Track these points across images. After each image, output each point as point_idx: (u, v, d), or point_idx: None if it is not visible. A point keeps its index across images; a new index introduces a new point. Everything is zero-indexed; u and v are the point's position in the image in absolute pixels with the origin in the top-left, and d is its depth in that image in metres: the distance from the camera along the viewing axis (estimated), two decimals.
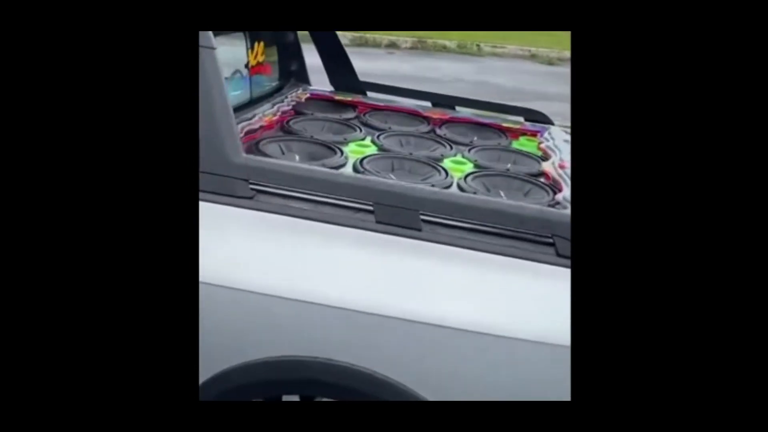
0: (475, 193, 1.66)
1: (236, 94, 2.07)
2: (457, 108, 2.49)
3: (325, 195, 1.34)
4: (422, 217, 1.31)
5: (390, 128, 2.22)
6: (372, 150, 1.97)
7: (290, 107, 2.24)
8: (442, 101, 2.49)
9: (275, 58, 2.41)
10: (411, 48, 9.68)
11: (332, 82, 2.57)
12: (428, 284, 1.25)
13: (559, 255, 1.26)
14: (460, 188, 1.70)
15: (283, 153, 1.88)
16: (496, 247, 1.29)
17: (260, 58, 2.20)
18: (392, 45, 9.60)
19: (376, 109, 2.44)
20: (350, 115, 2.33)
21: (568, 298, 1.04)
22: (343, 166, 1.77)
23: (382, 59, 8.77)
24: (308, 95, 2.43)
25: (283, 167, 1.35)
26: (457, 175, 1.81)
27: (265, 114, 2.04)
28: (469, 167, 1.93)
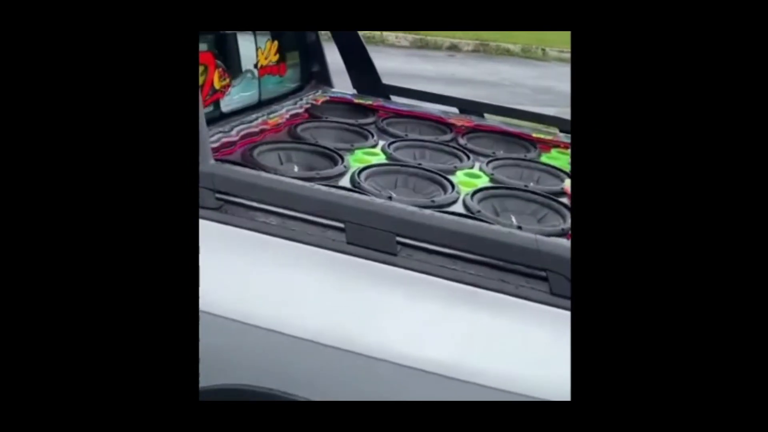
0: (478, 212, 1.49)
1: (244, 95, 1.98)
2: (486, 115, 2.30)
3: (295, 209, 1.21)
4: (400, 239, 1.16)
5: (407, 135, 2.07)
6: (380, 159, 1.83)
7: (303, 110, 2.13)
8: (469, 107, 2.31)
9: (297, 60, 2.30)
10: (473, 51, 9.43)
11: (354, 84, 2.44)
12: (396, 318, 1.10)
13: (553, 293, 1.08)
14: (465, 206, 1.53)
15: (282, 162, 1.77)
16: (479, 279, 1.12)
17: (273, 58, 2.10)
18: (453, 48, 9.38)
19: (398, 114, 2.29)
20: (368, 120, 2.19)
21: (560, 347, 0.89)
22: (341, 176, 1.64)
23: (441, 62, 8.59)
24: (327, 98, 2.31)
25: (248, 177, 1.22)
26: (465, 191, 1.64)
27: (270, 117, 1.93)
28: (483, 181, 1.75)
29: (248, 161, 1.63)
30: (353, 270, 1.15)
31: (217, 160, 1.60)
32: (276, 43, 2.11)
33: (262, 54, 2.03)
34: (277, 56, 2.13)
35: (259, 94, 2.03)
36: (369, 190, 1.53)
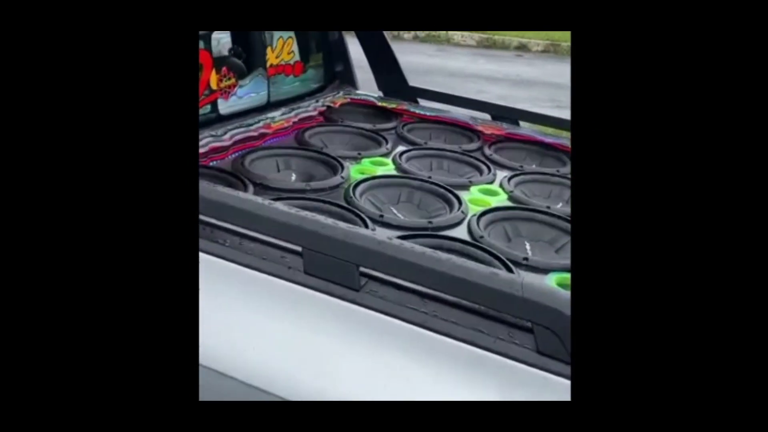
0: (481, 238, 1.29)
1: (254, 96, 1.86)
2: (522, 123, 2.08)
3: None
4: (366, 271, 0.99)
5: (426, 143, 1.88)
6: (388, 169, 1.65)
7: (317, 113, 1.98)
8: (503, 113, 2.09)
9: (318, 59, 2.16)
10: (542, 51, 9.03)
11: (380, 86, 2.27)
12: (344, 370, 0.92)
13: (539, 352, 0.87)
14: (469, 230, 1.33)
15: (279, 169, 1.63)
16: (450, 327, 0.92)
17: (286, 57, 1.96)
18: (522, 47, 9.02)
19: (423, 119, 2.10)
20: (388, 124, 2.02)
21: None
22: (335, 188, 1.48)
23: (508, 62, 8.26)
24: (348, 100, 2.16)
25: (202, 191, 1.08)
26: (474, 210, 1.44)
27: (275, 120, 1.80)
28: (500, 199, 1.54)
29: (237, 169, 1.50)
30: (307, 306, 0.99)
31: (202, 167, 1.48)
32: (291, 40, 1.97)
33: (273, 52, 1.89)
34: (292, 54, 1.99)
35: (268, 95, 1.90)
36: (360, 207, 1.37)
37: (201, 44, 1.63)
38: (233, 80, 1.79)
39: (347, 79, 2.25)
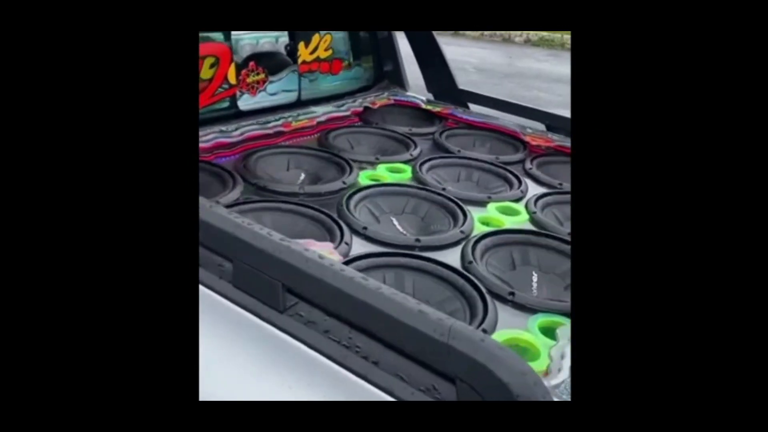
0: (470, 264, 1.12)
1: (287, 93, 1.79)
2: None
3: None
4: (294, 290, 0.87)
5: (459, 151, 1.72)
6: (404, 177, 1.51)
7: (350, 113, 1.88)
8: (559, 124, 1.86)
9: (364, 57, 2.06)
10: None
11: (429, 88, 2.13)
12: (242, 398, 0.81)
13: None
14: (462, 253, 1.16)
15: (288, 169, 1.54)
16: (368, 369, 0.78)
17: (322, 54, 1.87)
18: None
19: (469, 125, 1.93)
20: (428, 129, 1.88)
21: None
22: (333, 193, 1.37)
23: None
24: (390, 101, 2.04)
25: None
26: (480, 230, 1.27)
27: (297, 119, 1.72)
28: (519, 221, 1.35)
29: (237, 167, 1.43)
30: (227, 323, 0.89)
31: (203, 162, 1.44)
32: (329, 37, 1.89)
33: (306, 48, 1.82)
34: (330, 51, 1.90)
35: (299, 92, 1.83)
36: (347, 216, 1.24)
37: (221, 37, 1.58)
38: (263, 75, 1.74)
39: (396, 79, 2.13)
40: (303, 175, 1.53)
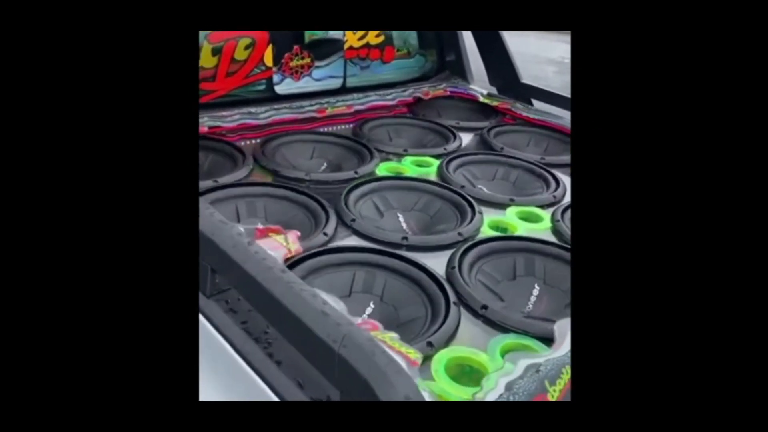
0: (452, 269, 1.00)
1: (329, 79, 1.76)
2: None
3: None
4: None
5: (502, 149, 1.58)
6: (429, 171, 1.41)
7: (395, 103, 1.80)
8: None
9: (425, 46, 1.97)
10: None
11: (492, 81, 1.99)
12: None
13: None
14: (451, 257, 1.05)
15: (312, 156, 1.50)
16: (270, 370, 0.72)
17: (373, 40, 1.81)
18: None
19: (528, 122, 1.78)
20: (482, 123, 1.75)
21: None
22: (342, 182, 1.31)
23: None
24: (446, 92, 1.93)
25: None
26: (487, 234, 1.14)
27: (334, 105, 1.67)
28: (539, 228, 1.21)
29: (256, 149, 1.41)
30: None
31: (222, 141, 1.44)
32: None
33: (355, 34, 1.76)
34: (382, 38, 1.83)
35: (344, 79, 1.78)
36: (341, 207, 1.17)
37: None
38: (308, 60, 1.72)
39: (458, 70, 2.02)
40: (325, 164, 1.48)
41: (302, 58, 1.71)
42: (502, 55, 1.90)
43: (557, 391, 0.70)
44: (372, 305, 0.97)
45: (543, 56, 5.35)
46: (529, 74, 2.01)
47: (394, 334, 0.78)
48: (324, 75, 1.77)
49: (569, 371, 0.72)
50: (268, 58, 1.61)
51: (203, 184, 1.20)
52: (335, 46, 1.77)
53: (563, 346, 0.79)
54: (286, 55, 1.67)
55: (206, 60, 1.49)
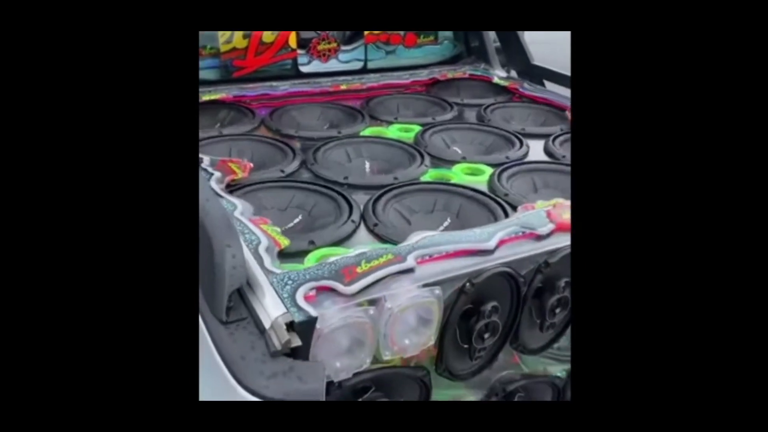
0: (371, 200, 1.20)
1: (354, 62, 2.01)
2: None
3: None
4: None
5: (489, 121, 1.72)
6: (407, 136, 1.59)
7: (410, 82, 2.01)
8: None
9: (445, 32, 2.15)
10: None
11: (510, 65, 2.11)
12: None
13: None
14: (376, 197, 1.24)
15: (319, 118, 1.76)
16: None
17: None
18: None
19: (532, 100, 1.90)
20: (487, 101, 1.90)
21: None
22: (326, 139, 1.55)
23: None
24: (465, 75, 2.09)
25: None
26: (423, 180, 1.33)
27: (349, 82, 1.92)
28: (480, 180, 1.36)
29: (273, 117, 1.70)
30: None
31: (240, 104, 1.75)
32: None
33: None
34: None
35: (365, 62, 2.03)
36: (308, 158, 1.41)
37: None
38: (334, 44, 1.99)
39: (482, 55, 2.17)
40: (327, 125, 1.73)
41: (329, 43, 1.98)
42: (515, 39, 2.04)
43: (367, 265, 0.88)
44: (300, 218, 1.20)
45: None
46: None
47: (277, 228, 1.02)
48: (350, 58, 2.03)
49: (389, 256, 0.91)
50: (293, 41, 1.90)
51: (211, 133, 1.51)
52: (358, 32, 2.02)
53: (402, 242, 0.97)
54: (314, 39, 1.95)
55: (238, 42, 1.83)
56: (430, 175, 1.37)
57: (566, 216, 1.05)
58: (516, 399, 1.13)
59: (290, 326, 0.75)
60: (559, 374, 1.20)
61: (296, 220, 1.20)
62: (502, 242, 0.98)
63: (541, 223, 1.03)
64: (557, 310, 1.03)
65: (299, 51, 1.93)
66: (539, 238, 1.00)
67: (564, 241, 1.01)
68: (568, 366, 1.20)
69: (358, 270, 0.88)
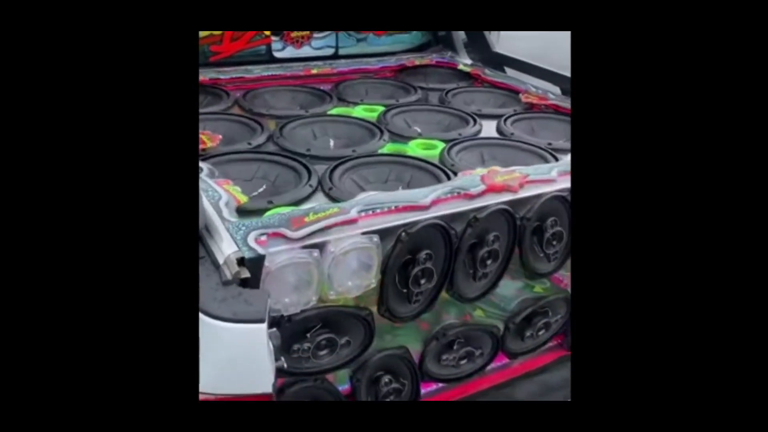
0: (328, 169, 1.33)
1: (326, 49, 2.14)
2: None
3: None
4: None
5: (449, 103, 1.85)
6: (372, 116, 1.72)
7: (379, 67, 2.13)
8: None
9: None
10: None
11: (473, 53, 2.25)
12: None
13: None
14: (333, 167, 1.37)
15: (289, 102, 1.88)
16: None
17: None
18: None
19: (492, 84, 2.04)
20: (449, 86, 2.03)
21: None
22: (295, 117, 1.67)
23: None
24: (432, 62, 2.23)
25: None
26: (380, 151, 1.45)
27: (319, 67, 2.04)
28: (431, 155, 1.48)
29: (248, 98, 1.81)
30: None
31: (213, 86, 1.86)
32: None
33: None
34: None
35: (336, 49, 2.15)
36: (275, 133, 1.53)
37: None
38: (307, 32, 2.11)
39: (449, 44, 2.30)
40: (298, 108, 1.85)
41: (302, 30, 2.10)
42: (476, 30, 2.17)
43: (314, 216, 1.00)
44: (264, 187, 1.32)
45: None
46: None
47: (237, 188, 1.14)
48: (323, 45, 2.15)
49: (335, 209, 1.03)
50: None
51: None
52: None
53: (349, 202, 1.09)
54: None
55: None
56: (387, 148, 1.50)
57: (498, 179, 1.18)
58: (456, 346, 1.26)
59: (241, 262, 0.88)
60: (498, 325, 1.33)
61: (260, 190, 1.32)
62: (436, 201, 1.10)
63: (473, 185, 1.16)
64: (488, 262, 1.16)
65: (273, 38, 2.05)
66: (471, 197, 1.13)
67: (493, 200, 1.14)
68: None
69: (306, 219, 1.00)
